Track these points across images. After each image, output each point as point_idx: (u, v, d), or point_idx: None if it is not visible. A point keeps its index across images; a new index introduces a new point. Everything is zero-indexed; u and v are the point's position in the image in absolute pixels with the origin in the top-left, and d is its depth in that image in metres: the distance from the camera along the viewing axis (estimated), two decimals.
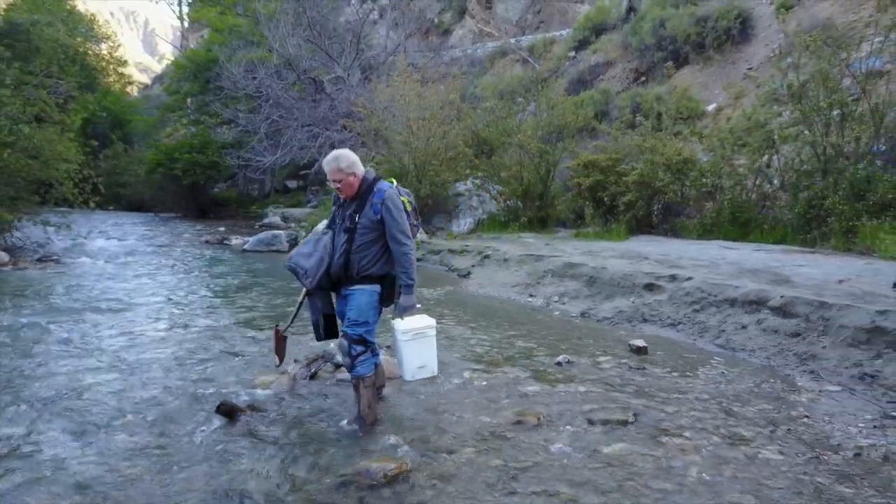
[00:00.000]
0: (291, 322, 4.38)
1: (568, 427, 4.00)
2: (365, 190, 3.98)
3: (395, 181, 4.15)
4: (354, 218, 3.95)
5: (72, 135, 15.02)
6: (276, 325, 4.51)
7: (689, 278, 7.37)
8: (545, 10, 33.52)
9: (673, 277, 7.56)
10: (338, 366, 5.10)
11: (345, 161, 3.93)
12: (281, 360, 4.50)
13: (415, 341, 4.17)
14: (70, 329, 6.67)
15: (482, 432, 3.91)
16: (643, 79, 21.64)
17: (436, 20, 34.80)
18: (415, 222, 4.16)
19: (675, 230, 12.33)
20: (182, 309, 8.10)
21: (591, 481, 3.27)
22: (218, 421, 4.02)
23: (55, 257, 12.72)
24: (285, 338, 4.48)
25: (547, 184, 14.91)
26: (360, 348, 3.92)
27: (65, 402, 4.39)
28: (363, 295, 3.96)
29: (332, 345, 5.43)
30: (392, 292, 4.05)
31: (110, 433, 3.88)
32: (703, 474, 3.36)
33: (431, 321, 4.24)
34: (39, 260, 12.33)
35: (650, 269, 8.14)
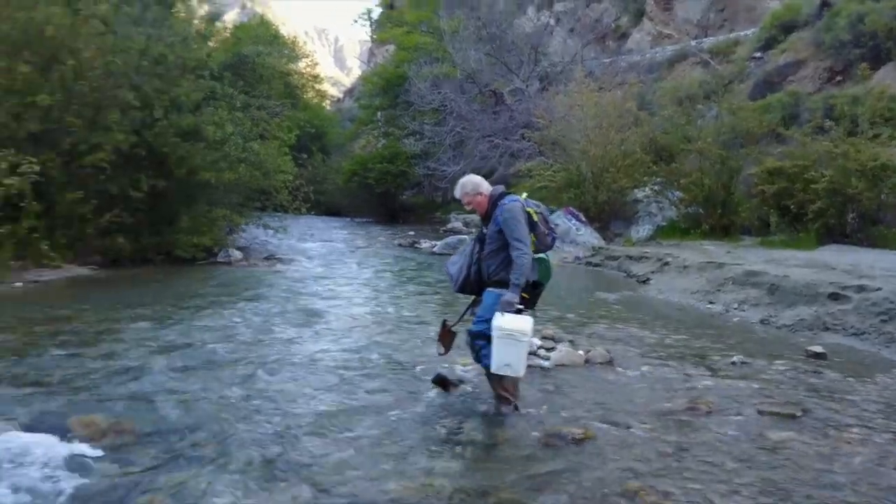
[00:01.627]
0: (460, 319, 4.98)
1: (737, 416, 4.46)
2: (491, 205, 4.53)
3: (524, 194, 4.69)
4: (483, 230, 4.60)
5: (287, 149, 17.24)
6: (445, 319, 5.13)
7: (878, 289, 7.31)
8: (729, 7, 32.17)
9: (861, 288, 7.52)
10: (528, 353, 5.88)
11: (469, 185, 4.60)
12: (446, 350, 5.01)
13: (503, 340, 4.23)
14: (304, 314, 8.08)
15: (657, 414, 4.50)
16: (838, 79, 20.36)
17: (613, 25, 34.65)
18: (545, 231, 4.53)
19: (872, 240, 11.77)
20: (389, 299, 9.40)
21: (755, 459, 3.76)
22: (434, 390, 4.96)
23: (278, 256, 14.80)
24: (454, 333, 5.00)
25: (729, 190, 14.74)
26: (480, 342, 4.45)
27: (310, 369, 5.56)
28: (489, 296, 4.46)
29: None
30: (533, 296, 4.53)
31: (351, 395, 4.93)
32: (866, 463, 3.71)
33: (528, 327, 4.27)
34: (266, 259, 14.43)
35: (836, 278, 8.10)
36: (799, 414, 4.49)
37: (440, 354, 5.08)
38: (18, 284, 9.93)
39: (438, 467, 3.66)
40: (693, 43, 28.98)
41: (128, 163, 12.34)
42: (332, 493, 3.33)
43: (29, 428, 4.10)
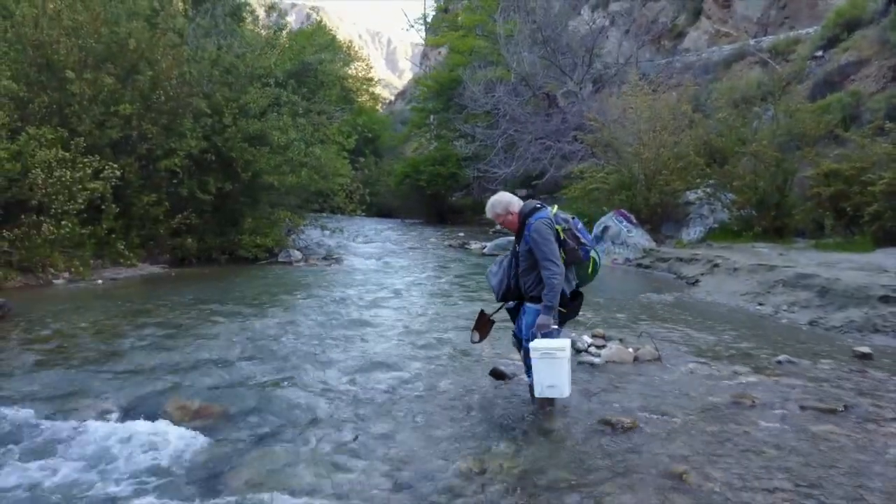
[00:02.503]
0: (498, 310, 5.21)
1: (780, 410, 4.68)
2: (521, 223, 4.57)
3: (555, 208, 4.66)
4: (516, 247, 4.67)
5: (346, 153, 17.88)
6: (482, 309, 5.37)
7: None
8: (791, 4, 31.47)
9: None
10: (578, 350, 6.19)
11: (499, 206, 4.65)
12: (481, 338, 5.27)
13: (543, 361, 4.30)
14: (366, 310, 8.55)
15: (702, 406, 4.76)
16: None
17: (669, 24, 34.23)
18: (575, 246, 4.52)
19: None
20: (444, 297, 9.83)
21: (795, 448, 3.99)
22: (491, 380, 5.34)
23: (335, 256, 15.40)
24: (492, 322, 5.27)
25: (784, 193, 14.65)
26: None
27: (375, 360, 5.98)
28: (528, 313, 4.60)
29: (574, 333, 6.57)
30: (571, 309, 4.65)
31: (414, 384, 5.32)
32: None
33: (566, 343, 4.39)
34: (324, 259, 15.04)
35: (888, 281, 8.13)
36: (840, 409, 4.68)
37: (474, 342, 5.34)
38: (99, 281, 10.72)
39: (497, 448, 4.02)
40: (751, 42, 28.51)
41: (197, 166, 13.10)
42: (403, 469, 3.74)
43: (128, 410, 4.64)
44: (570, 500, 3.36)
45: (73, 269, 10.65)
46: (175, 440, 4.10)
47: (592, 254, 4.73)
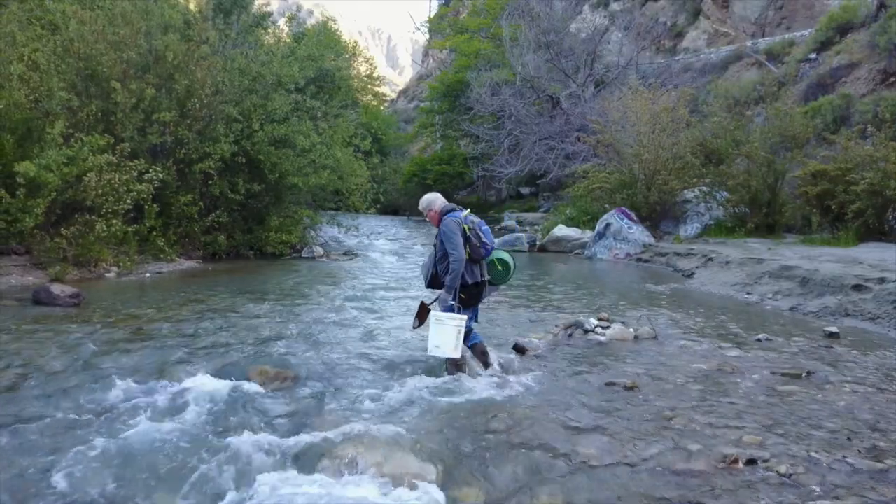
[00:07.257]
0: (434, 301, 5.89)
1: (754, 375, 5.68)
2: (439, 220, 5.55)
3: (467, 211, 5.60)
4: (434, 240, 5.64)
5: (361, 155, 18.84)
6: (423, 300, 6.12)
7: None
8: (787, 5, 32.32)
9: (881, 280, 8.55)
10: (586, 330, 7.19)
11: (423, 203, 5.71)
12: (420, 324, 5.95)
13: (435, 325, 5.26)
14: (390, 297, 9.53)
15: (690, 372, 5.76)
16: (892, 80, 20.80)
17: (668, 23, 35.06)
18: (478, 243, 5.40)
19: None
20: None
21: (762, 401, 4.99)
22: (514, 353, 6.32)
23: (354, 252, 16.39)
24: (430, 311, 5.97)
25: (774, 191, 15.63)
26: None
27: (405, 336, 6.97)
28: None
29: (581, 316, 7.58)
30: (471, 295, 5.48)
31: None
32: (848, 405, 4.89)
33: (458, 317, 5.25)
34: (344, 254, 16.04)
35: (861, 272, 9.12)
36: (804, 375, 5.68)
37: (414, 328, 6.15)
38: (147, 275, 11.72)
39: (524, 401, 5.02)
40: (749, 44, 29.42)
41: (227, 168, 14.08)
42: (454, 415, 4.72)
43: (218, 376, 5.60)
44: (580, 434, 4.36)
45: (120, 264, 11.62)
46: (264, 396, 5.10)
47: (503, 255, 5.70)
